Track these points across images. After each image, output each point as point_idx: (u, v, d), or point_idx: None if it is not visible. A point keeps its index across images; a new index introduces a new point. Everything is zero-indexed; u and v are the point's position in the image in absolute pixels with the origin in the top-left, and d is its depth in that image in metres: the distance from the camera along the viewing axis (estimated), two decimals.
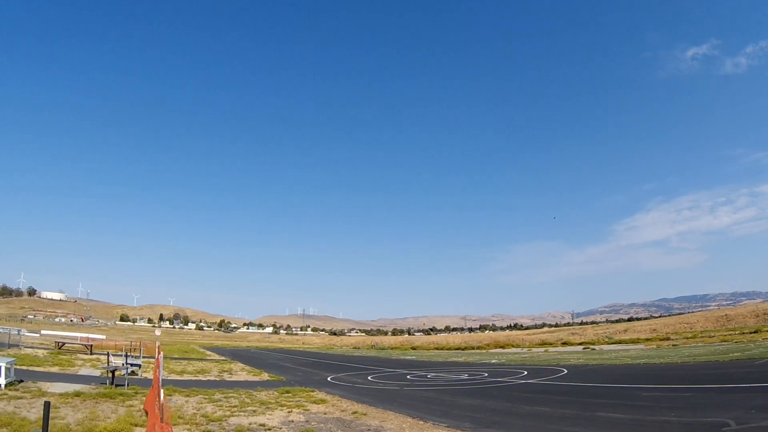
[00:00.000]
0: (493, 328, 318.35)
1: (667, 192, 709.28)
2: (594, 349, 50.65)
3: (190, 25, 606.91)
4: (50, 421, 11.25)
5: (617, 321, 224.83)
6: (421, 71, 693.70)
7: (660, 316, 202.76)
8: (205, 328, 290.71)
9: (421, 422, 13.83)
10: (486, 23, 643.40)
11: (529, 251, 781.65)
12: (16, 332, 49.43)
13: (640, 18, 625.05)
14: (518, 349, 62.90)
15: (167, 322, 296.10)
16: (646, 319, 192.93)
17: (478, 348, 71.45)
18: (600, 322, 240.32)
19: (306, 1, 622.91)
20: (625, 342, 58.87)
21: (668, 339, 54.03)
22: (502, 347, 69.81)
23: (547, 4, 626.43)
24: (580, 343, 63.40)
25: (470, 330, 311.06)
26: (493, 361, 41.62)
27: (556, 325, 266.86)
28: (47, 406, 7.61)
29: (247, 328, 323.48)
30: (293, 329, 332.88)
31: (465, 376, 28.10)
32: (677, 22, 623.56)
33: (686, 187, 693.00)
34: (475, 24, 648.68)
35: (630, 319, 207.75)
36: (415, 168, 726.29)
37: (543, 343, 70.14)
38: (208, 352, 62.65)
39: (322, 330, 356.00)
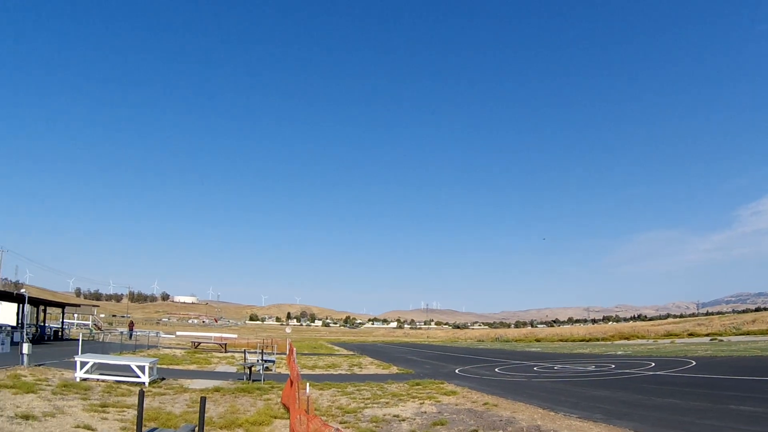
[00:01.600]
0: (617, 320, 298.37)
1: None
2: (722, 341, 46.21)
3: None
4: (194, 415, 11.94)
5: (744, 311, 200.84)
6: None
7: None
8: (331, 325, 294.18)
9: (552, 413, 13.53)
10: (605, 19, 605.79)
11: (651, 240, 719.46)
12: (154, 334, 53.07)
13: None
14: (643, 341, 58.82)
15: (294, 320, 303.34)
16: None
17: (603, 339, 67.66)
18: (726, 313, 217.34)
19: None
20: (754, 333, 52.88)
21: None
22: (627, 339, 65.42)
23: None
24: (707, 334, 57.94)
25: (593, 321, 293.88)
26: (619, 352, 39.38)
27: (681, 316, 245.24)
28: (203, 401, 8.08)
29: (372, 324, 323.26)
30: (417, 323, 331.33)
31: (592, 368, 27.00)
32: None
33: None
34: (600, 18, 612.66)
35: (757, 309, 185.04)
36: (533, 162, 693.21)
37: (668, 335, 64.97)
38: (336, 348, 62.99)
39: (445, 324, 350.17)
